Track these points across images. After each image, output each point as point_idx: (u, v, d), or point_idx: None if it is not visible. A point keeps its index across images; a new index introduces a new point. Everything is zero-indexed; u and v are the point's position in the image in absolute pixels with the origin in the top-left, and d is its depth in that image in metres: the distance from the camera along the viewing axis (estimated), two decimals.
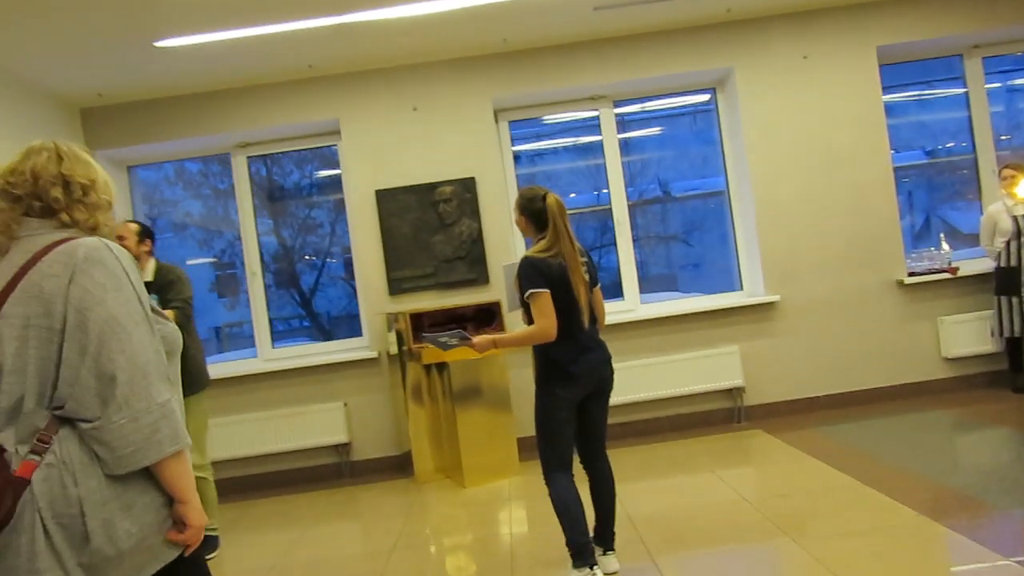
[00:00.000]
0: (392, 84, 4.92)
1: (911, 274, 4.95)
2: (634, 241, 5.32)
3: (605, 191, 5.27)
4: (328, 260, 5.86)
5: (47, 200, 1.36)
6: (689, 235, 6.01)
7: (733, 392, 4.90)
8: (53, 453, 1.24)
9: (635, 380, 4.77)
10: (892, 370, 4.93)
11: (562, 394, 2.63)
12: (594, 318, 2.74)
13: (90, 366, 1.25)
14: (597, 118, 5.23)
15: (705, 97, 5.40)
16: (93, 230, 1.40)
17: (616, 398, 4.67)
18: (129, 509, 1.28)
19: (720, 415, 4.92)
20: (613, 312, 5.02)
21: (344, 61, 4.78)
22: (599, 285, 2.81)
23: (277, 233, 5.76)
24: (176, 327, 1.52)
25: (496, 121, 5.10)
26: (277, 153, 5.47)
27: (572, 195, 5.96)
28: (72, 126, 4.85)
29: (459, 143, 4.93)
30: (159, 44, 4.06)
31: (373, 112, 4.92)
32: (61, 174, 1.37)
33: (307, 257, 5.90)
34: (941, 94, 5.65)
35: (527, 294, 2.57)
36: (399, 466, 4.85)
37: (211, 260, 6.17)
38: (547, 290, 2.54)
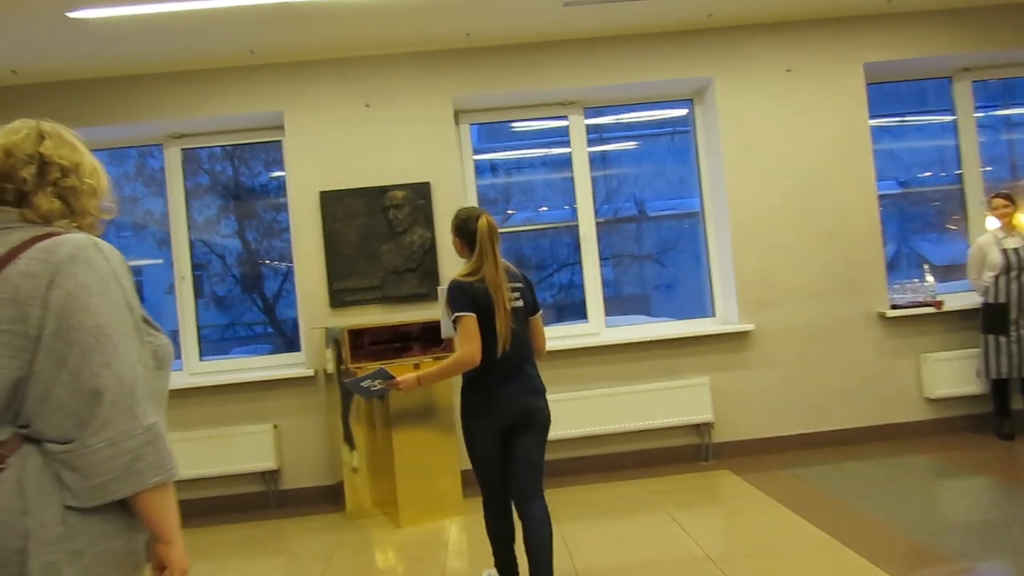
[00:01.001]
0: (343, 77, 4.50)
1: (894, 307, 4.63)
2: (607, 259, 4.95)
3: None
4: (292, 265, 5.45)
5: (17, 182, 1.21)
6: (663, 255, 5.67)
7: (701, 427, 4.51)
8: (12, 469, 1.09)
9: (596, 411, 4.35)
10: (871, 409, 4.59)
11: (476, 425, 2.50)
12: (529, 348, 2.59)
13: (67, 381, 1.10)
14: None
15: (682, 112, 5.06)
16: (72, 215, 1.25)
17: (574, 430, 4.36)
18: (79, 556, 1.10)
19: (686, 452, 4.53)
20: (575, 336, 4.65)
21: (290, 48, 4.35)
22: (540, 313, 2.67)
23: (241, 235, 5.37)
24: (169, 340, 1.33)
25: (457, 123, 4.70)
26: (244, 151, 5.11)
27: (543, 208, 5.61)
28: None
29: (414, 144, 4.52)
30: (73, 15, 3.60)
31: (321, 106, 4.49)
32: (39, 154, 1.23)
33: (265, 262, 5.49)
34: (922, 121, 5.40)
35: (453, 317, 2.44)
36: (332, 497, 4.37)
37: (161, 261, 5.72)
38: (472, 314, 2.43)
